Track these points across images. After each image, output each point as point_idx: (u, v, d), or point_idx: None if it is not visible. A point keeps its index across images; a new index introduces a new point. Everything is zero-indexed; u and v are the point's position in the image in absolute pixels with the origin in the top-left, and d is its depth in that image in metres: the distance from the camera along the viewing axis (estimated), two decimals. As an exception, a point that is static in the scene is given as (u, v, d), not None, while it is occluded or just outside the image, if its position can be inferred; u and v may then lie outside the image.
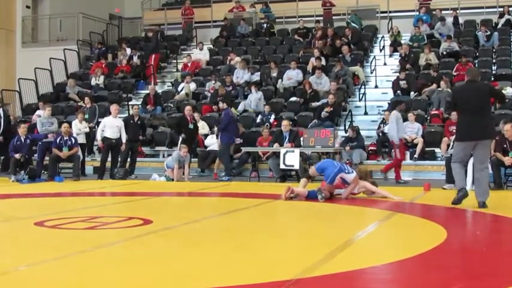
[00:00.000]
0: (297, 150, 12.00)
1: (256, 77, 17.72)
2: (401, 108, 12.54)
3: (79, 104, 17.72)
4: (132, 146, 14.01)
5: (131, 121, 14.28)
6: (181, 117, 14.85)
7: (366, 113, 16.30)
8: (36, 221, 6.52)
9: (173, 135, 15.17)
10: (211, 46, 21.33)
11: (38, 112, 16.82)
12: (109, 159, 13.51)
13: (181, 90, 17.86)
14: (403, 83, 16.16)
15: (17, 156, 12.99)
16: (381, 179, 12.95)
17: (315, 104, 15.61)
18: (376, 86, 17.62)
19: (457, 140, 8.34)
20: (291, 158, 11.83)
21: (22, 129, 13.43)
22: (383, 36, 20.03)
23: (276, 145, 12.95)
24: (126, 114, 17.30)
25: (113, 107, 13.82)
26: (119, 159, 13.79)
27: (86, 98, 16.28)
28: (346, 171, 8.90)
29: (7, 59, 21.89)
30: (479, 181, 7.93)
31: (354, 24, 20.33)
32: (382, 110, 15.33)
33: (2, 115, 14.96)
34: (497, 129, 11.59)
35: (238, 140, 14.51)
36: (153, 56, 20.15)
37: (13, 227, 6.60)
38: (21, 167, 13.13)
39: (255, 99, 16.42)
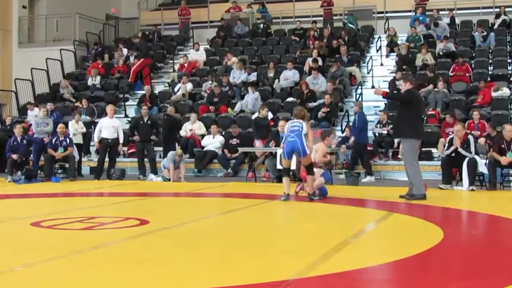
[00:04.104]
0: (294, 151, 11.96)
1: (253, 77, 17.70)
2: None
3: (75, 104, 17.69)
4: (146, 147, 13.93)
5: (141, 122, 14.13)
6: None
7: (362, 114, 16.29)
8: (33, 222, 6.51)
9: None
10: (207, 46, 21.31)
11: (33, 112, 16.73)
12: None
13: (178, 91, 17.84)
14: (399, 83, 16.13)
15: (15, 156, 12.98)
16: (378, 179, 13.03)
17: (311, 105, 15.60)
18: (373, 86, 17.54)
19: (415, 137, 8.89)
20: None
21: (18, 130, 13.41)
22: (380, 37, 20.03)
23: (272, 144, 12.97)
24: (123, 115, 17.32)
25: (109, 108, 13.80)
26: (116, 159, 13.80)
27: (84, 100, 16.24)
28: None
29: (3, 59, 21.84)
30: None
31: (350, 25, 20.34)
32: (379, 110, 15.34)
33: None
34: (499, 129, 11.63)
35: (235, 141, 14.50)
36: (141, 60, 19.56)
37: (9, 227, 6.58)
38: (18, 168, 13.11)
39: (251, 99, 16.42)
